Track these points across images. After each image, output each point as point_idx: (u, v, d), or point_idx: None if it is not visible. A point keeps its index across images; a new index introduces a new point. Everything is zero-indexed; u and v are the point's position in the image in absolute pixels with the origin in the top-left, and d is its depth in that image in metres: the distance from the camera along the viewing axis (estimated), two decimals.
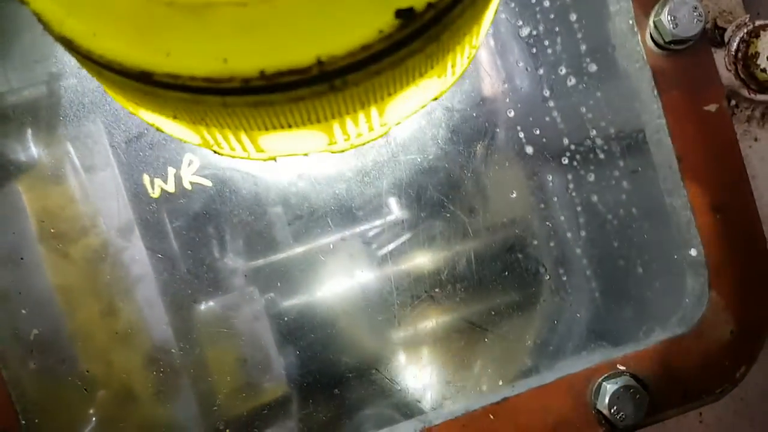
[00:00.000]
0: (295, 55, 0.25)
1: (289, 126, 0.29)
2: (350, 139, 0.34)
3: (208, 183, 0.58)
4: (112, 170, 0.61)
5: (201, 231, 0.64)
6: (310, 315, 0.69)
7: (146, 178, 0.58)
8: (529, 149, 0.60)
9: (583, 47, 0.57)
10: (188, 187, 0.58)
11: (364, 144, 0.35)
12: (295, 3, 0.25)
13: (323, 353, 0.70)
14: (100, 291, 0.62)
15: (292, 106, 0.28)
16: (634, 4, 0.55)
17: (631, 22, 0.56)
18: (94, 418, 0.62)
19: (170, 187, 0.57)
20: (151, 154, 0.58)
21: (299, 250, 0.68)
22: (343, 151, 0.35)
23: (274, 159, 0.34)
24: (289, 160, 0.63)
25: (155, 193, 0.57)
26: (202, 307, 0.65)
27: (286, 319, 0.68)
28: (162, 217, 0.61)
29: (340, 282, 0.71)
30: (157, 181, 0.57)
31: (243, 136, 0.31)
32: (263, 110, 0.28)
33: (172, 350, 0.65)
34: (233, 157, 0.34)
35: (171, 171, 0.57)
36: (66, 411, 0.59)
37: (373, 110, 0.31)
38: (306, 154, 0.34)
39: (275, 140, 0.32)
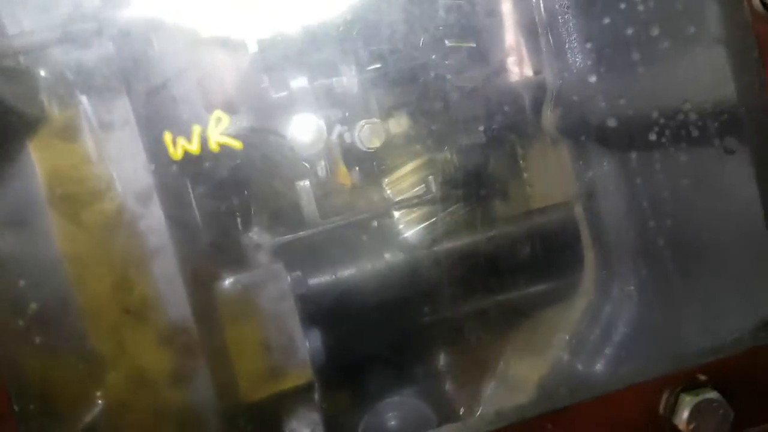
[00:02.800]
0: None
1: None
2: None
3: (237, 145, 0.50)
4: (130, 128, 0.54)
5: (226, 199, 0.57)
6: (338, 296, 0.62)
7: (168, 136, 0.50)
8: (612, 121, 0.51)
9: (679, 5, 0.48)
10: (215, 148, 0.50)
11: None
12: None
13: (352, 337, 0.63)
14: (113, 262, 0.55)
15: None
16: None
17: None
18: (100, 402, 0.54)
19: (194, 148, 0.49)
20: (175, 108, 0.50)
21: (330, 226, 0.61)
22: None
23: None
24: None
25: (177, 154, 0.49)
26: (224, 283, 0.58)
27: (313, 299, 0.61)
28: (184, 181, 0.54)
29: (373, 262, 0.64)
30: (180, 141, 0.49)
31: None
32: None
33: (190, 329, 0.57)
34: None
35: (196, 129, 0.49)
36: (67, 395, 0.52)
37: None
38: None
39: None
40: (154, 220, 0.55)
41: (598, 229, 0.56)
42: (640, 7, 0.49)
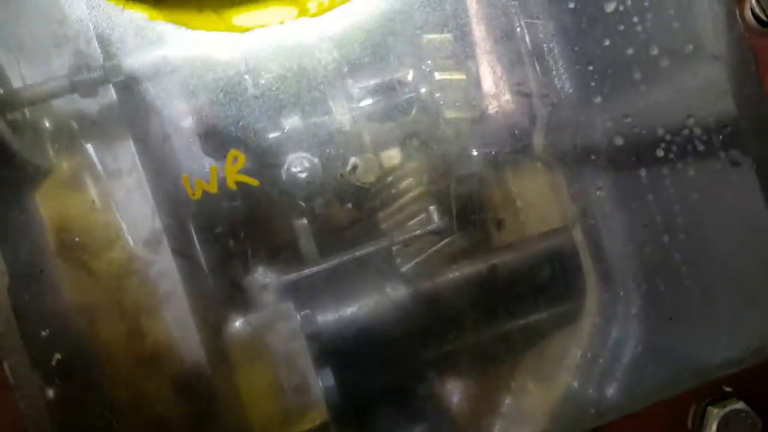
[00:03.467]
0: None
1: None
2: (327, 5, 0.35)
3: (254, 182, 0.50)
4: (138, 175, 0.54)
5: (232, 240, 0.56)
6: (348, 333, 0.61)
7: (186, 179, 0.50)
8: (619, 140, 0.52)
9: (676, 24, 0.49)
10: (233, 186, 0.50)
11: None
12: None
13: (364, 375, 0.62)
14: (127, 309, 0.55)
15: None
16: None
17: None
18: None
19: (212, 188, 0.49)
20: (182, 153, 0.50)
21: (331, 263, 0.61)
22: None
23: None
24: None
25: (196, 194, 0.50)
26: (235, 325, 0.58)
27: (323, 338, 0.60)
28: (191, 225, 0.54)
29: (378, 297, 0.63)
30: (198, 181, 0.49)
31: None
32: None
33: (205, 374, 0.57)
34: None
35: (213, 169, 0.50)
36: None
37: None
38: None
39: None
40: (164, 264, 0.55)
41: (598, 251, 0.56)
42: (638, 28, 0.50)
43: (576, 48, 0.53)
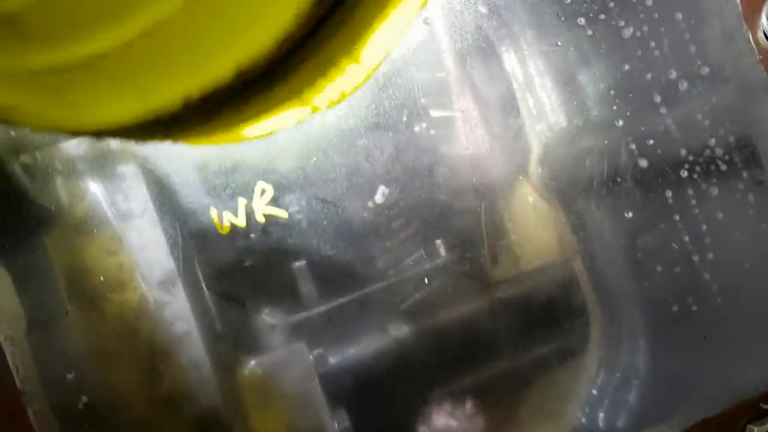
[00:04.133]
0: (213, 73, 0.22)
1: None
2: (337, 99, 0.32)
3: (284, 214, 0.50)
4: (150, 214, 0.53)
5: (242, 280, 0.56)
6: (365, 372, 0.60)
7: (214, 212, 0.49)
8: (643, 162, 0.52)
9: (693, 48, 0.51)
10: (261, 220, 0.49)
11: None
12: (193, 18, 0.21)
13: (381, 415, 0.61)
14: (141, 353, 0.53)
15: (250, 103, 0.25)
16: None
17: (739, 18, 0.49)
18: None
19: (241, 221, 0.49)
20: (219, 183, 0.50)
21: (333, 304, 0.60)
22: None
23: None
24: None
25: (225, 229, 0.49)
26: (247, 367, 0.57)
27: (336, 378, 0.59)
28: (216, 260, 0.53)
29: (384, 334, 0.62)
30: (227, 215, 0.49)
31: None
32: (216, 122, 0.26)
33: (222, 418, 0.55)
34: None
35: (241, 202, 0.49)
36: None
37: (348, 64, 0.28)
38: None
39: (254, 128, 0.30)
40: (179, 305, 0.54)
41: (601, 284, 0.56)
42: (656, 53, 0.51)
43: (565, 82, 0.54)
